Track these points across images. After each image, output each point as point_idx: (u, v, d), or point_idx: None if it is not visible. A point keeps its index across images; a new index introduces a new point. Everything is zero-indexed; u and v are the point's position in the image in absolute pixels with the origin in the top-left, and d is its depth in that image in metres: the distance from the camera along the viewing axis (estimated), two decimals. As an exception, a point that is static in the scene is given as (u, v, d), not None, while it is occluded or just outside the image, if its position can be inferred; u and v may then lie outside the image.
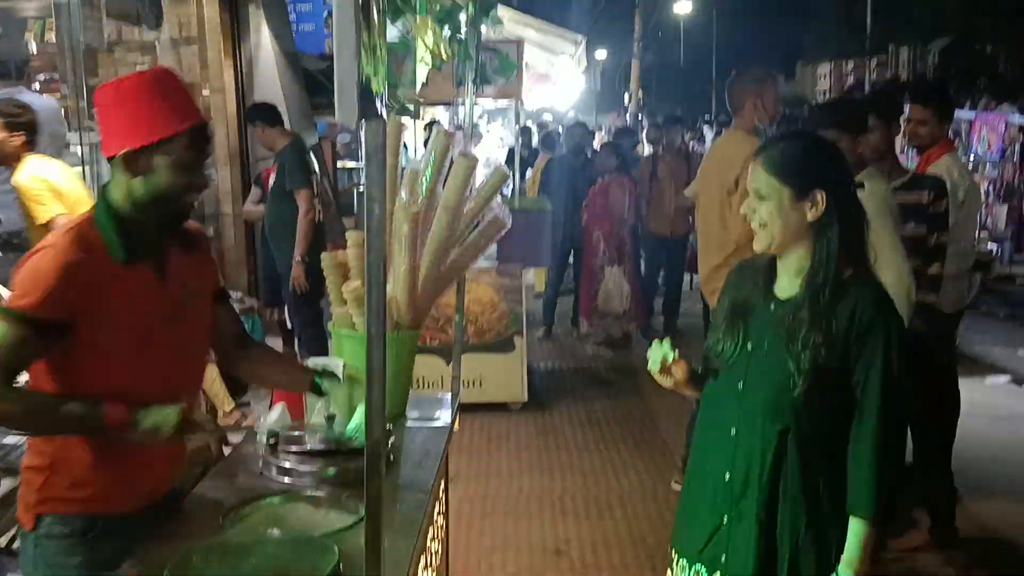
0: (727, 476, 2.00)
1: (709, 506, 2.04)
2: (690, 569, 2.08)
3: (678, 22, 36.19)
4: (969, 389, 4.19)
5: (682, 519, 2.17)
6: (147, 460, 1.97)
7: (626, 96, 26.68)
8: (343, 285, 2.63)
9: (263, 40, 6.48)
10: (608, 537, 4.11)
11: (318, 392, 2.26)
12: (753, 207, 1.98)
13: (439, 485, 2.58)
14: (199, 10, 6.10)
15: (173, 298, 1.96)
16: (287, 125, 5.92)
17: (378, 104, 1.37)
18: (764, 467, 1.94)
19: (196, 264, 2.07)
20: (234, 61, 6.30)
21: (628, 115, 22.91)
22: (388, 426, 2.30)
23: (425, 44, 2.50)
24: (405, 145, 9.78)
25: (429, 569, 2.41)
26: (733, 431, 2.00)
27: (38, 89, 5.46)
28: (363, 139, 1.37)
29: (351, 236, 2.67)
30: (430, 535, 2.42)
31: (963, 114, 10.68)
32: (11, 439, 3.34)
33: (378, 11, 1.39)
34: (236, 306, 5.18)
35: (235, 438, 3.33)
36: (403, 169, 2.78)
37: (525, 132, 12.23)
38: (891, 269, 2.78)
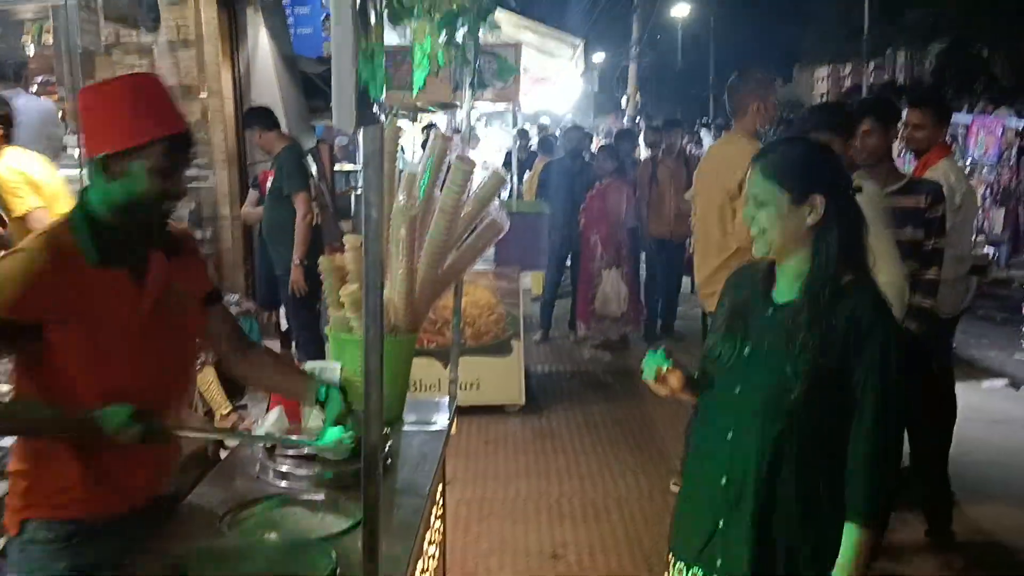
0: (724, 479, 1.99)
1: (706, 509, 2.04)
2: (687, 572, 2.07)
3: (675, 25, 36.24)
4: (966, 393, 4.20)
5: (679, 522, 2.17)
6: (130, 465, 1.95)
7: (624, 99, 26.68)
8: (341, 288, 2.63)
9: (261, 43, 6.48)
10: (605, 540, 4.11)
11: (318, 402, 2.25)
12: (752, 213, 1.98)
13: (436, 488, 2.58)
14: (197, 13, 6.08)
15: (152, 302, 1.94)
16: (284, 129, 5.93)
17: (375, 108, 1.37)
18: (761, 470, 1.94)
19: (182, 267, 2.06)
20: (232, 64, 6.29)
21: (626, 118, 22.90)
22: (385, 429, 2.29)
23: (423, 49, 2.51)
24: (402, 148, 9.79)
25: (426, 573, 2.41)
26: (730, 434, 2.00)
27: (35, 91, 5.46)
28: (361, 143, 1.37)
29: (349, 239, 2.67)
30: (427, 539, 2.42)
31: (960, 118, 10.68)
32: (5, 442, 3.32)
33: (376, 15, 1.39)
34: (234, 309, 5.20)
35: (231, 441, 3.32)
36: (401, 172, 2.78)
37: (523, 135, 12.24)
38: (884, 271, 2.78)
